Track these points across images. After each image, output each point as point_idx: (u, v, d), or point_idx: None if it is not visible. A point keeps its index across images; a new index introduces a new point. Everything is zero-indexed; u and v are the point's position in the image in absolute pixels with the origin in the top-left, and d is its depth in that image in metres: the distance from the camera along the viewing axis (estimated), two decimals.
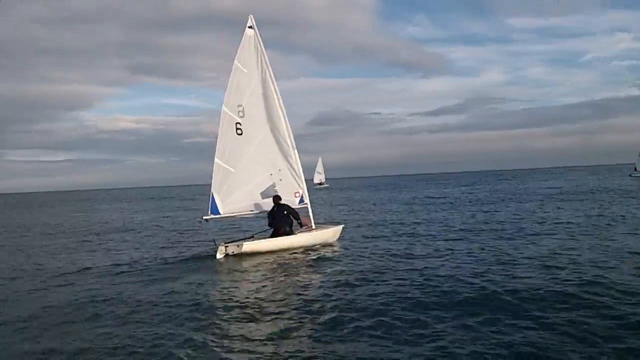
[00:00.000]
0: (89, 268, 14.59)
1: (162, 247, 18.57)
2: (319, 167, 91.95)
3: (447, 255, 13.70)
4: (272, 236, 16.14)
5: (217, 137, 16.55)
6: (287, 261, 14.17)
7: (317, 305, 9.09)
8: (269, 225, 16.21)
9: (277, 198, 16.23)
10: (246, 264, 14.06)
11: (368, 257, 13.86)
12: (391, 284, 10.39)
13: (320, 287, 10.66)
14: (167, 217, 37.32)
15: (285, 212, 16.06)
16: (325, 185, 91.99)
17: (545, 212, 25.16)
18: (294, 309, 8.95)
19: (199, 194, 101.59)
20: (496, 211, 27.34)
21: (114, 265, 14.88)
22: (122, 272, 13.67)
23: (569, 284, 9.80)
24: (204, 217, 16.65)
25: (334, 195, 61.44)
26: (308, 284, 11.05)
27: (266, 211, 16.56)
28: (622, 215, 21.84)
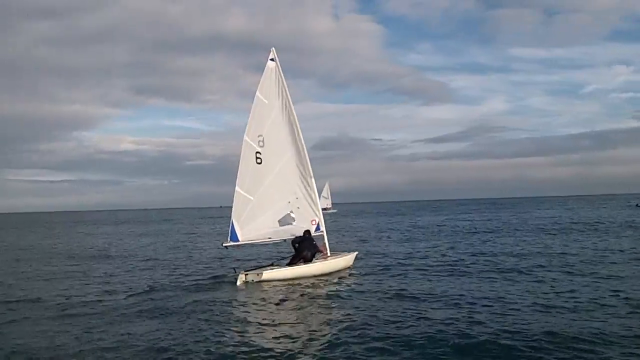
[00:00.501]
0: (101, 295, 14.68)
1: (179, 274, 18.44)
2: (325, 192, 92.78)
3: (443, 291, 13.56)
4: (292, 258, 16.73)
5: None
6: (303, 292, 14.36)
7: (321, 343, 9.17)
8: (293, 243, 16.81)
9: (307, 232, 17.06)
10: (264, 292, 14.33)
11: (372, 292, 13.80)
12: (392, 324, 10.30)
13: (329, 324, 10.63)
14: (179, 242, 37.54)
15: (314, 242, 16.90)
16: (332, 210, 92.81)
17: (544, 244, 25.04)
18: (301, 346, 9.07)
19: (201, 216, 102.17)
20: (495, 241, 27.48)
21: (134, 291, 15.06)
22: (135, 301, 13.60)
23: (565, 327, 9.58)
24: (224, 244, 17.20)
25: (340, 221, 61.72)
26: (318, 320, 11.11)
27: (283, 239, 17.30)
28: (620, 249, 21.78)
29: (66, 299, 14.22)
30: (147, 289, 15.28)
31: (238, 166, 17.26)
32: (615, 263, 17.67)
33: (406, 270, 17.79)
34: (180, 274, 18.25)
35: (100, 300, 13.77)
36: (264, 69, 17.97)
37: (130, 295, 14.35)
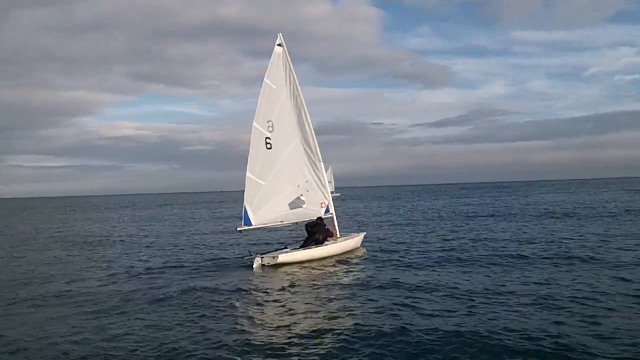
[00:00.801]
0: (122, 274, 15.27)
1: (190, 259, 18.54)
2: (329, 176, 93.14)
3: (442, 279, 13.38)
4: (305, 241, 17.18)
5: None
6: (314, 276, 14.59)
7: (336, 328, 9.26)
8: (306, 226, 17.33)
9: (320, 218, 17.57)
10: (279, 276, 14.59)
11: (374, 279, 13.66)
12: (390, 312, 10.22)
13: (336, 313, 10.49)
14: (182, 227, 37.93)
15: (326, 227, 17.40)
16: (336, 194, 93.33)
17: (545, 229, 24.64)
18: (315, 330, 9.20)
19: (202, 201, 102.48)
20: (495, 226, 27.29)
21: (142, 276, 15.25)
22: (144, 286, 13.56)
23: (565, 318, 9.33)
24: (238, 229, 17.57)
25: (342, 205, 61.86)
26: (328, 308, 10.98)
27: (295, 222, 17.78)
28: (623, 235, 21.47)
29: (67, 283, 14.41)
30: (153, 274, 15.47)
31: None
32: (617, 249, 17.47)
33: (407, 255, 17.69)
34: (191, 259, 18.45)
35: (102, 286, 13.90)
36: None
37: (137, 280, 14.49)
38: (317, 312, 10.63)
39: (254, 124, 17.55)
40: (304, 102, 18.20)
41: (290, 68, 18.15)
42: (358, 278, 14.06)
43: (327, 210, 18.13)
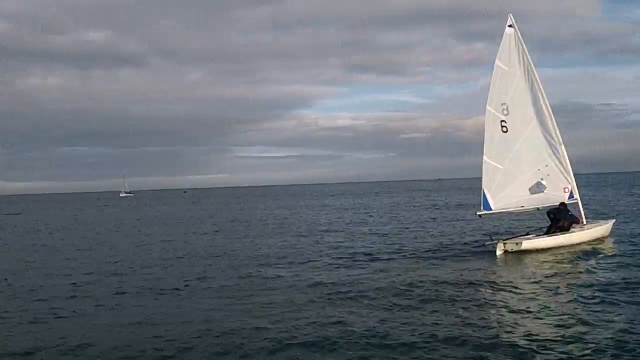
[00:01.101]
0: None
1: (420, 247, 18.44)
2: None
3: None
4: (549, 228, 16.51)
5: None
6: (561, 264, 13.91)
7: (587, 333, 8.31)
8: (549, 213, 16.58)
9: (563, 204, 16.66)
10: (523, 264, 14.19)
11: (627, 275, 12.26)
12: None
13: (586, 309, 9.62)
14: (410, 215, 38.83)
15: (570, 213, 16.53)
16: None
17: None
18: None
19: (421, 189, 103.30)
20: None
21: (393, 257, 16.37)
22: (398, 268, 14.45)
23: None
24: (478, 213, 17.56)
25: None
26: (583, 297, 10.33)
27: (537, 207, 17.18)
28: None
29: (296, 265, 15.36)
30: (378, 261, 15.80)
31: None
32: None
33: None
34: (415, 246, 18.71)
35: (325, 271, 14.43)
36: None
37: (362, 268, 14.87)
38: (557, 313, 9.60)
39: (487, 107, 17.37)
40: (540, 83, 17.52)
41: (523, 49, 17.65)
42: (605, 275, 12.63)
43: (570, 196, 17.14)
